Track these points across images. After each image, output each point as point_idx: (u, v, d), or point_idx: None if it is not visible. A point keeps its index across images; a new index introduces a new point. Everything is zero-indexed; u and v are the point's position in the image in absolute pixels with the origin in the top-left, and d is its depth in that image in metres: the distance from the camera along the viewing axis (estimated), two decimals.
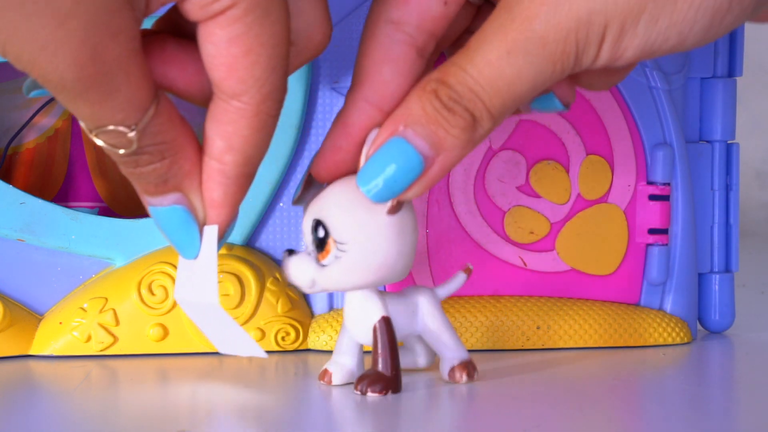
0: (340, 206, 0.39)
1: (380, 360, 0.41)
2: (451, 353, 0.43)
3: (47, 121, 0.54)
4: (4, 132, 0.54)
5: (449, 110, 0.37)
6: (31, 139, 0.54)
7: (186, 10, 0.34)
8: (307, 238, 0.41)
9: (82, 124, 0.35)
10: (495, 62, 0.36)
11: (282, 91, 0.36)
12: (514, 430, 0.36)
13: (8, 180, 0.52)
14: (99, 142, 0.35)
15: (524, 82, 0.36)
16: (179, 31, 0.37)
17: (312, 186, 0.41)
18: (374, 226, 0.39)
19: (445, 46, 0.42)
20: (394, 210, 0.39)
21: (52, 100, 0.54)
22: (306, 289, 0.41)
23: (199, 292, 0.38)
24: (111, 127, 0.34)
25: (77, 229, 0.49)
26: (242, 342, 0.40)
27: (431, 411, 0.40)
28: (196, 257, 0.38)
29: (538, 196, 0.51)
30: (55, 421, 0.39)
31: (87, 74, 0.32)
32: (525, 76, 0.36)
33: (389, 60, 0.39)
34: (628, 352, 0.50)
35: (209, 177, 0.37)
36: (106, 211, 0.55)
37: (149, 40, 0.36)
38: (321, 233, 0.40)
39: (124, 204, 0.55)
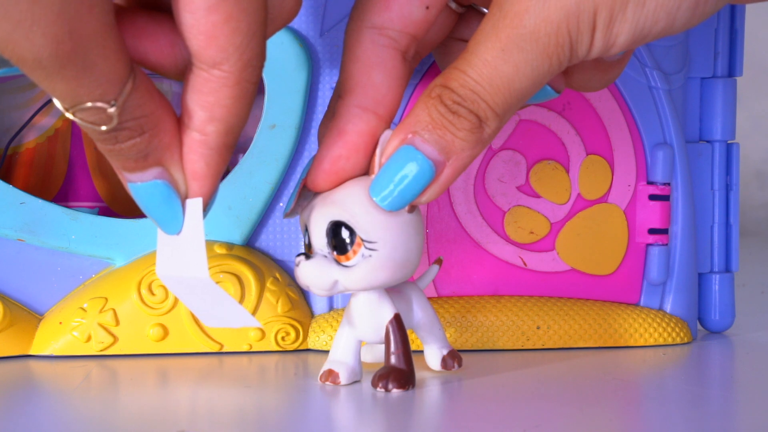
0: (365, 207, 0.39)
1: (395, 356, 0.42)
2: (440, 343, 0.44)
3: (47, 121, 0.54)
4: (4, 132, 0.54)
5: (454, 113, 0.37)
6: (31, 139, 0.54)
7: None
8: (321, 241, 0.40)
9: (57, 103, 0.34)
10: (491, 61, 0.37)
11: (261, 58, 0.35)
12: (514, 429, 0.36)
13: (8, 180, 0.52)
14: (77, 121, 0.34)
15: (522, 78, 0.37)
16: (147, 3, 0.37)
17: (303, 197, 0.41)
18: (399, 225, 0.40)
19: (426, 52, 0.42)
20: (412, 208, 0.40)
21: (51, 99, 0.54)
22: (324, 292, 0.41)
23: (187, 266, 0.37)
24: (89, 104, 0.33)
25: (77, 229, 0.49)
26: (233, 314, 0.40)
27: (430, 410, 0.40)
28: (179, 232, 0.37)
29: (538, 196, 0.51)
30: (55, 421, 0.39)
31: (64, 50, 0.32)
32: (522, 71, 0.37)
33: (377, 64, 0.39)
34: (628, 352, 0.50)
35: (191, 149, 0.36)
36: (106, 211, 0.55)
37: (119, 14, 0.35)
38: (345, 234, 0.40)
39: (124, 204, 0.55)
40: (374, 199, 0.39)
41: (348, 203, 0.40)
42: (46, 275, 0.49)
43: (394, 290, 0.43)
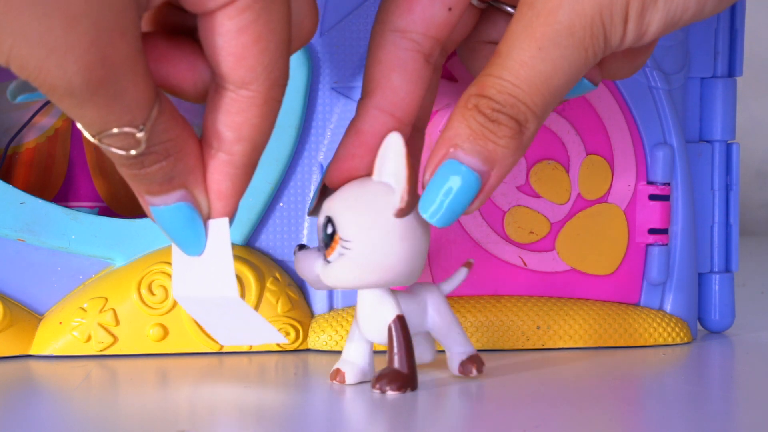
0: (348, 204, 0.40)
1: (396, 358, 0.41)
2: (460, 348, 0.44)
3: (47, 121, 0.54)
4: (4, 132, 0.54)
5: (494, 122, 0.37)
6: (31, 139, 0.54)
7: (190, 2, 0.34)
8: (320, 235, 0.41)
9: (84, 130, 0.34)
10: (529, 62, 0.37)
11: (286, 76, 0.36)
12: (514, 429, 0.36)
13: (8, 180, 0.52)
14: (104, 147, 0.34)
15: (560, 75, 0.37)
16: (165, 27, 0.37)
17: (326, 196, 0.42)
18: (378, 227, 0.40)
19: (450, 50, 0.42)
20: (402, 213, 0.39)
21: (48, 103, 0.54)
22: (313, 284, 0.41)
23: (212, 285, 0.38)
24: (116, 130, 0.33)
25: (77, 229, 0.49)
26: (258, 330, 0.40)
27: (431, 410, 0.40)
28: (201, 253, 0.38)
29: (538, 196, 0.51)
30: (55, 421, 0.39)
31: (96, 77, 0.32)
32: (560, 68, 0.37)
33: (398, 67, 0.39)
34: (628, 352, 0.50)
35: (216, 169, 0.37)
36: (106, 211, 0.55)
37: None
38: (329, 230, 0.40)
39: (124, 204, 0.55)
40: (424, 216, 0.38)
41: (336, 200, 0.40)
42: (46, 275, 0.49)
43: (407, 292, 0.43)
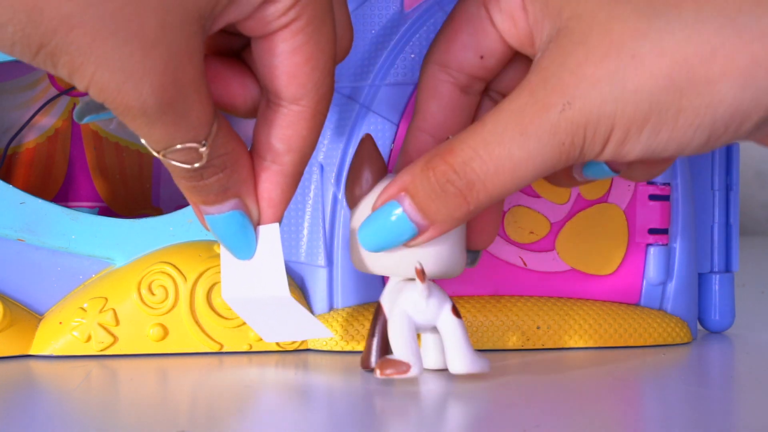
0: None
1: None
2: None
3: (47, 121, 0.54)
4: (4, 132, 0.54)
5: (444, 192, 0.39)
6: (31, 139, 0.54)
7: (248, 27, 0.37)
8: None
9: (148, 146, 0.36)
10: (507, 142, 0.38)
11: (332, 91, 0.39)
12: (514, 429, 0.36)
13: (8, 180, 0.52)
14: (167, 161, 0.37)
15: (530, 167, 0.38)
16: (217, 49, 0.40)
17: None
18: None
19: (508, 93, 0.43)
20: None
21: (51, 99, 0.54)
22: None
23: (264, 286, 0.41)
24: (180, 146, 0.36)
25: (77, 229, 0.49)
26: (305, 326, 0.43)
27: (430, 410, 0.40)
28: (251, 257, 0.40)
29: (538, 196, 0.51)
30: (55, 421, 0.39)
31: (167, 98, 0.34)
32: (531, 160, 0.38)
33: (435, 96, 0.42)
34: (628, 352, 0.50)
35: (268, 179, 0.39)
36: (106, 211, 0.55)
37: None
38: None
39: (124, 204, 0.55)
40: (357, 235, 0.41)
41: None
42: (46, 275, 0.49)
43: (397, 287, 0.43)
